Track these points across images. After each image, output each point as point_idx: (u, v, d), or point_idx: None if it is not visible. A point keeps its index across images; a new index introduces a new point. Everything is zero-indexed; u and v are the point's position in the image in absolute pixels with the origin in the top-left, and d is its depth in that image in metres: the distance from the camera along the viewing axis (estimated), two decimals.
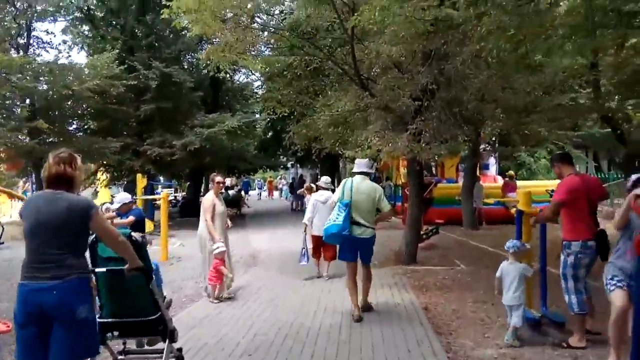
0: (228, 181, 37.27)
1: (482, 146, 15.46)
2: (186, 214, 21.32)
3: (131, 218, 6.52)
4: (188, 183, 24.99)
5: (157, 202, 13.27)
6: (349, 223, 5.58)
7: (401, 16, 6.20)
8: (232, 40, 8.74)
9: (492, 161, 19.43)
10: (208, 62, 9.12)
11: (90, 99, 15.11)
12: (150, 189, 17.16)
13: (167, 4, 8.17)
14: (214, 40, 9.20)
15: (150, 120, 16.80)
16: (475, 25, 6.40)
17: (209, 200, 7.00)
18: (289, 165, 32.21)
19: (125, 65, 15.48)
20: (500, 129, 12.30)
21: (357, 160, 6.21)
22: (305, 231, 8.41)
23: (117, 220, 6.50)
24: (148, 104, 16.00)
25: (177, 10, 8.05)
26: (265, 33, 9.24)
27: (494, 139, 16.23)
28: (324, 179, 8.81)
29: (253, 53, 9.91)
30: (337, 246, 6.61)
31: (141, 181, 14.63)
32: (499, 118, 11.16)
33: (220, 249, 6.74)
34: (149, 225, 13.25)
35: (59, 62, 14.41)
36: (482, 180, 16.43)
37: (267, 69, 12.88)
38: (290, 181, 30.37)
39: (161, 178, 24.67)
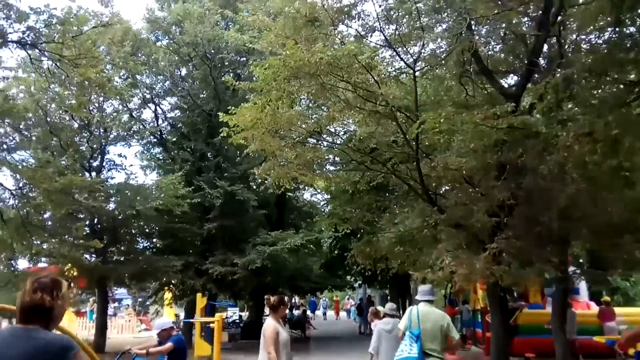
0: (296, 299, 36.37)
1: (571, 268, 13.80)
2: (248, 336, 20.33)
3: (169, 345, 5.86)
4: (251, 303, 24.20)
5: (211, 324, 12.51)
6: (422, 355, 5.42)
7: (469, 124, 5.59)
8: (291, 157, 8.48)
9: (582, 285, 17.32)
10: (266, 178, 8.85)
11: (156, 217, 15.32)
12: (210, 309, 16.54)
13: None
14: (273, 157, 9.00)
15: (213, 238, 16.68)
16: (556, 134, 5.68)
17: (272, 327, 5.70)
18: (355, 285, 30.76)
19: (192, 187, 15.78)
20: (591, 249, 10.90)
21: (420, 288, 6.22)
22: None
23: (154, 349, 5.82)
24: (212, 222, 15.97)
25: (236, 128, 7.99)
26: (324, 149, 8.93)
27: (581, 260, 14.52)
28: (389, 306, 8.00)
29: (315, 170, 9.60)
30: None
31: (201, 301, 14.04)
32: (588, 238, 9.90)
33: None
34: (205, 349, 12.45)
35: (129, 182, 14.92)
36: (573, 306, 14.48)
37: (329, 187, 12.55)
38: (358, 302, 28.83)
39: (223, 299, 24.12)
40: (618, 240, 9.41)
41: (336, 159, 9.50)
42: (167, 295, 19.03)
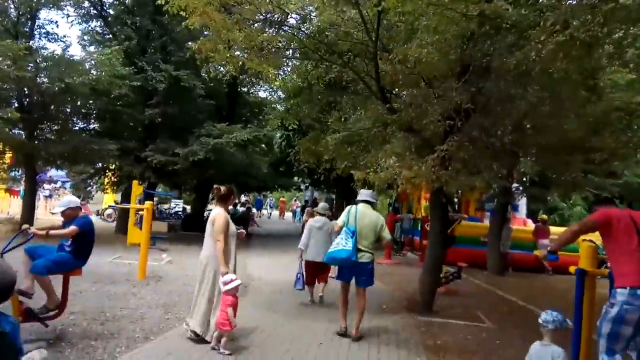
0: (242, 197, 36.31)
1: (514, 185, 13.90)
2: (188, 228, 20.12)
3: (72, 228, 5.10)
4: (194, 196, 23.79)
5: (141, 212, 12.01)
6: (356, 249, 5.90)
7: (436, 6, 4.85)
8: (239, 37, 7.51)
9: (522, 203, 17.75)
10: (197, 54, 7.92)
11: (92, 97, 14.10)
12: (146, 198, 15.94)
13: None
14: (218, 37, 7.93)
15: (156, 126, 15.67)
16: (530, 26, 5.05)
17: (222, 216, 5.46)
18: (302, 187, 30.78)
19: (134, 68, 14.44)
20: (538, 166, 10.79)
21: (361, 191, 6.57)
22: (301, 257, 8.38)
23: (55, 231, 5.16)
24: (154, 108, 14.88)
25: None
26: (276, 33, 7.96)
27: (525, 179, 14.64)
28: (322, 205, 8.77)
29: (265, 56, 8.66)
30: (331, 268, 7.81)
31: (136, 188, 13.39)
32: (539, 153, 9.71)
33: (236, 282, 5.25)
34: (137, 237, 12.03)
35: (63, 55, 13.39)
36: (511, 222, 14.85)
37: (284, 83, 11.72)
38: (303, 204, 28.99)
39: (164, 190, 23.53)
40: (568, 159, 9.27)
41: (290, 44, 8.57)
42: (105, 180, 18.24)
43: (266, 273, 11.27)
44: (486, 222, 15.78)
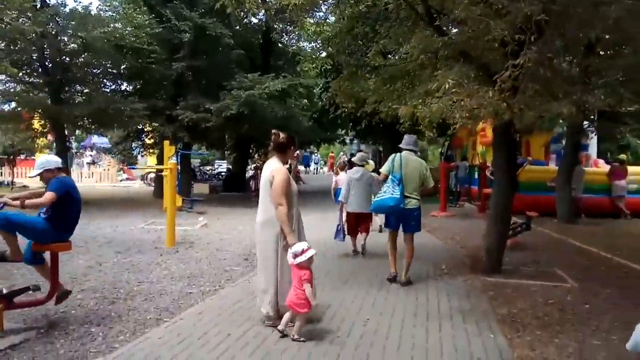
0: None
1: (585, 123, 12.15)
2: (230, 188, 19.49)
3: (48, 196, 4.10)
4: (234, 155, 23.04)
5: (161, 174, 11.26)
6: (403, 196, 5.89)
7: None
8: None
9: (593, 142, 15.85)
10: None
11: (117, 55, 13.25)
12: (182, 159, 15.23)
13: None
14: None
15: (184, 82, 14.70)
16: None
17: (283, 172, 4.31)
18: (347, 140, 29.38)
19: (156, 17, 13.40)
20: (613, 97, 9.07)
21: (405, 137, 6.37)
22: (341, 209, 8.12)
23: (30, 201, 4.15)
24: (180, 62, 13.84)
25: None
26: None
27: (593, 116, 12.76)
28: (359, 156, 8.44)
29: None
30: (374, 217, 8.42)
31: (168, 149, 12.62)
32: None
33: (310, 252, 4.10)
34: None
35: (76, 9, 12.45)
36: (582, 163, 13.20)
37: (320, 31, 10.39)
38: (349, 157, 27.77)
39: (199, 149, 22.87)
40: None
41: None
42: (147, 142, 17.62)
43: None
44: (552, 165, 14.16)
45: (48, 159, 4.42)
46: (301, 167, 34.66)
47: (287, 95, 15.28)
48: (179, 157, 14.13)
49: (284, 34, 19.74)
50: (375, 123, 9.28)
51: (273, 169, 4.37)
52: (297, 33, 20.58)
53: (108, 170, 22.90)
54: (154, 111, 14.23)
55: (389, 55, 8.54)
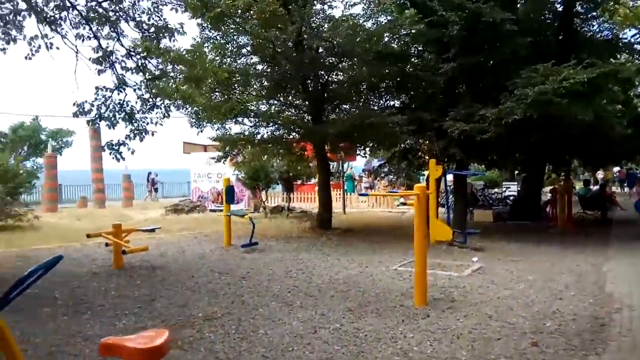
0: (600, 175, 28.55)
1: None
2: (517, 216, 15.87)
3: None
4: (524, 175, 19.13)
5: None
6: None
7: None
8: None
9: None
10: None
11: (380, 65, 11.72)
12: (455, 182, 12.60)
13: None
14: None
15: (453, 87, 12.09)
16: None
17: None
18: None
19: (418, 13, 11.36)
20: None
21: None
22: None
23: None
24: (449, 62, 11.29)
25: None
26: None
27: None
28: None
29: None
30: None
31: (433, 169, 10.31)
32: None
33: None
34: (443, 233, 9.23)
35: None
36: None
37: None
38: None
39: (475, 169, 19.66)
40: None
41: None
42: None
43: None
44: None
45: None
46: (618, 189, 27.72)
47: (596, 91, 11.03)
48: (445, 178, 11.65)
49: (589, 14, 15.38)
50: None
51: None
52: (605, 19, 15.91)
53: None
54: (420, 125, 12.09)
55: None
